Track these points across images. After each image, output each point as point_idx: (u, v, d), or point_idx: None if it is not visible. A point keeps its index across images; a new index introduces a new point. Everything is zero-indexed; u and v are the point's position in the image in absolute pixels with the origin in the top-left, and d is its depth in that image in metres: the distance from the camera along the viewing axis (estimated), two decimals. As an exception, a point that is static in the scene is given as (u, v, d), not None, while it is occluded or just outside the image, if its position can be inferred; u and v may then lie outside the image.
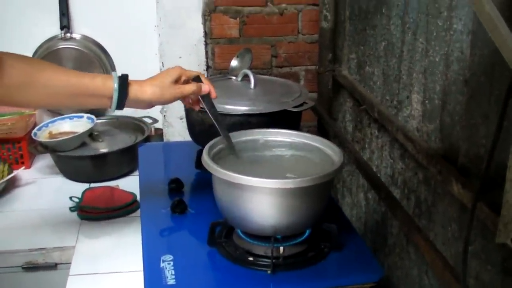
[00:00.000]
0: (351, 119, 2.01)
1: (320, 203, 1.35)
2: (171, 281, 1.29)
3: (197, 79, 1.45)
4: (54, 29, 2.35)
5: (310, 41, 2.22)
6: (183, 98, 1.43)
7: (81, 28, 2.37)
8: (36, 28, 2.36)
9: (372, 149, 1.81)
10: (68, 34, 2.35)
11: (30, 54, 2.34)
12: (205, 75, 2.22)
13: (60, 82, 1.32)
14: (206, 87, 1.44)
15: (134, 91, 1.36)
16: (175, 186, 1.70)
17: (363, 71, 1.85)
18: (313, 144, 1.49)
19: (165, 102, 1.43)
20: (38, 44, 2.37)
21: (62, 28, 2.33)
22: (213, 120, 1.46)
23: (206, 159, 1.35)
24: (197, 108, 1.50)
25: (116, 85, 1.34)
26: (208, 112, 1.46)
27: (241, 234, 1.40)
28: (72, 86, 1.33)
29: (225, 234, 1.43)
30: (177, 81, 1.41)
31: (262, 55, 2.25)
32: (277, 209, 1.30)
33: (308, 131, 2.30)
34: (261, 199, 1.29)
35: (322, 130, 2.18)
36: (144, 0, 2.27)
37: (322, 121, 2.16)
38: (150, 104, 1.42)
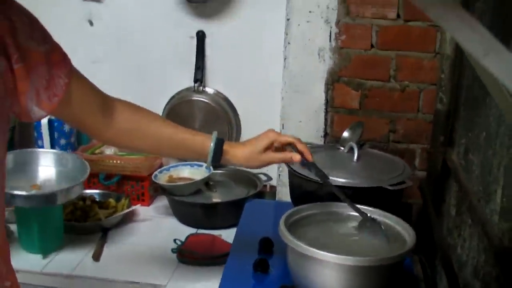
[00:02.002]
0: (455, 203, 2.00)
1: (384, 283, 1.37)
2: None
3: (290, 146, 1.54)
4: (189, 81, 2.53)
5: (429, 120, 2.23)
6: (274, 162, 1.55)
7: (214, 83, 2.54)
8: (174, 78, 2.55)
9: (465, 237, 1.80)
10: (201, 87, 2.52)
11: (165, 101, 2.55)
12: (322, 141, 2.30)
13: (164, 135, 1.48)
14: (296, 157, 1.52)
15: (226, 155, 1.51)
16: (265, 245, 1.78)
17: (467, 157, 1.85)
18: (391, 224, 1.53)
19: (254, 167, 1.56)
20: (174, 93, 2.56)
21: (195, 81, 2.50)
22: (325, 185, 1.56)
23: (281, 226, 1.43)
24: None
25: (212, 144, 1.48)
26: (316, 176, 1.58)
27: (308, 301, 1.46)
28: (174, 140, 1.49)
29: (296, 299, 1.49)
30: (269, 147, 1.51)
31: (380, 128, 2.29)
32: (338, 284, 1.34)
33: (413, 209, 2.33)
34: (325, 272, 1.34)
35: (426, 211, 2.17)
36: (273, 64, 2.39)
37: (425, 202, 2.16)
38: (240, 166, 1.57)
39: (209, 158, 1.50)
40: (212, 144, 1.49)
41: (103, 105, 1.39)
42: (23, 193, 1.97)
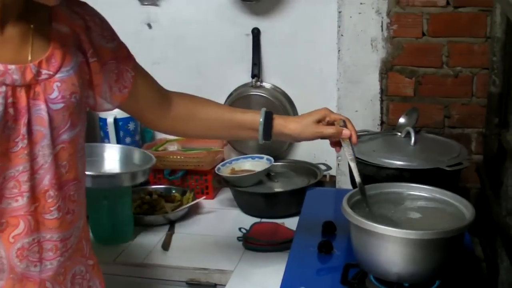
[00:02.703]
0: (513, 184, 2.04)
1: (445, 257, 1.42)
2: (298, 309, 1.45)
3: (341, 122, 1.56)
4: (246, 77, 2.61)
5: (483, 104, 2.26)
6: (322, 138, 1.57)
7: (270, 77, 2.62)
8: (232, 75, 2.64)
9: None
10: (258, 83, 2.60)
11: (224, 97, 2.63)
12: (379, 129, 2.36)
13: (216, 116, 1.56)
14: (347, 132, 1.55)
15: (277, 126, 1.55)
16: (327, 228, 1.85)
17: (524, 137, 1.89)
18: (450, 201, 1.57)
19: (305, 138, 1.58)
20: (232, 89, 2.65)
21: (253, 76, 2.58)
22: (349, 165, 1.58)
23: (344, 205, 1.49)
24: (338, 150, 1.61)
25: (262, 119, 1.54)
26: (347, 156, 1.57)
27: (372, 279, 1.52)
28: (225, 120, 1.57)
29: (359, 277, 1.55)
30: (320, 121, 1.56)
31: (434, 114, 2.33)
32: (400, 258, 1.40)
33: (471, 193, 2.36)
34: (386, 246, 1.40)
35: (484, 193, 2.21)
36: (327, 56, 2.46)
37: (483, 185, 2.20)
38: (293, 139, 1.61)
39: (260, 130, 1.54)
40: (261, 117, 1.55)
41: (161, 97, 1.51)
42: (90, 172, 2.00)
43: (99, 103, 1.38)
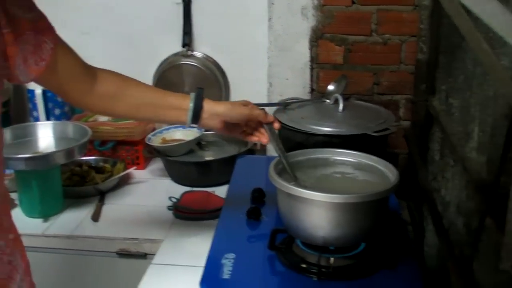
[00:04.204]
0: (438, 148, 2.07)
1: (369, 220, 1.44)
2: (226, 275, 1.44)
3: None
4: (177, 46, 2.58)
5: (411, 71, 2.30)
6: (250, 118, 1.57)
7: (202, 47, 2.59)
8: (162, 44, 2.60)
9: (447, 178, 1.88)
10: (190, 52, 2.57)
11: (155, 67, 2.61)
12: (310, 97, 2.37)
13: (144, 94, 1.52)
14: (271, 116, 1.60)
15: (208, 104, 1.53)
16: (256, 196, 1.86)
17: (448, 102, 1.92)
18: (375, 166, 1.59)
19: (234, 117, 1.56)
20: (163, 58, 2.62)
21: (184, 45, 2.56)
22: (276, 149, 1.59)
23: (271, 171, 1.49)
24: (264, 140, 1.62)
25: (192, 96, 1.52)
26: (273, 143, 1.60)
27: (299, 243, 1.53)
28: (154, 98, 1.53)
29: (287, 242, 1.56)
30: (245, 106, 1.57)
31: (364, 82, 2.36)
32: (325, 222, 1.41)
33: (399, 159, 2.40)
34: (312, 211, 1.41)
35: (412, 159, 2.25)
36: (258, 24, 2.44)
37: (410, 150, 2.23)
38: (222, 119, 1.55)
39: (190, 107, 1.52)
40: (192, 96, 1.52)
41: (85, 72, 1.45)
42: (24, 155, 2.03)
43: (14, 74, 1.32)
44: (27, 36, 1.28)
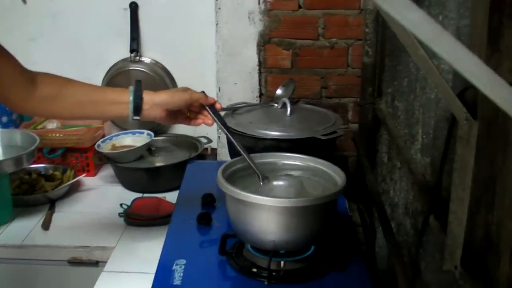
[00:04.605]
0: (386, 151, 2.12)
1: (318, 223, 1.46)
2: (177, 281, 1.44)
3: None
4: (125, 51, 2.58)
5: (358, 74, 2.33)
6: (191, 102, 1.59)
7: (150, 52, 2.59)
8: (110, 50, 2.60)
9: (395, 180, 1.92)
10: (138, 57, 2.57)
11: (103, 73, 2.60)
12: (258, 101, 2.39)
13: (83, 91, 1.53)
14: (212, 98, 1.62)
15: (148, 95, 1.55)
16: (207, 201, 1.86)
17: (394, 105, 1.96)
18: (323, 169, 1.61)
19: (176, 103, 1.58)
20: (111, 64, 2.61)
21: (132, 51, 2.56)
22: (222, 129, 1.63)
23: (219, 177, 1.50)
24: (208, 122, 1.65)
25: (131, 89, 1.53)
26: (217, 123, 1.63)
27: (249, 248, 1.54)
28: (93, 94, 1.54)
29: (237, 247, 1.57)
30: (185, 91, 1.60)
31: (312, 85, 2.38)
32: (274, 226, 1.42)
33: (349, 161, 2.44)
34: (261, 215, 1.42)
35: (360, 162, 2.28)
36: (206, 29, 2.45)
37: (359, 153, 2.27)
38: (164, 107, 1.57)
39: (130, 99, 1.52)
40: (131, 88, 1.54)
41: (24, 78, 1.45)
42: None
43: None
44: None
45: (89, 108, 1.55)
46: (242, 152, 1.59)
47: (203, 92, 1.62)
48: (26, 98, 1.46)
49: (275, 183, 1.58)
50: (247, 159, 1.58)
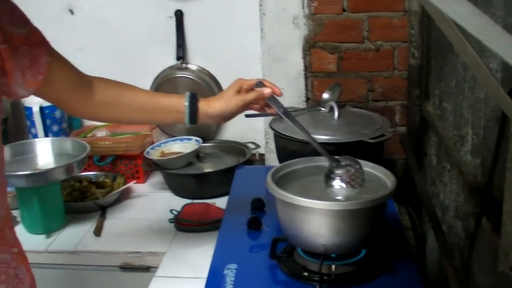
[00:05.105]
0: (435, 153, 2.10)
1: (369, 227, 1.46)
2: (229, 286, 1.45)
3: (259, 85, 1.61)
4: (172, 59, 2.62)
5: (404, 77, 2.32)
6: (248, 104, 1.59)
7: (196, 59, 2.63)
8: (157, 58, 2.64)
9: (445, 182, 1.90)
10: (184, 65, 2.60)
11: (150, 80, 2.64)
12: (305, 106, 2.39)
13: (139, 99, 1.56)
14: (267, 90, 1.60)
15: (203, 106, 1.56)
16: (256, 205, 1.87)
17: (442, 106, 1.95)
18: (372, 172, 1.61)
19: (232, 111, 1.59)
20: (158, 72, 2.65)
21: (178, 58, 2.59)
22: (283, 117, 1.61)
23: (268, 181, 1.51)
24: (270, 110, 1.64)
25: (187, 102, 1.55)
26: (278, 111, 1.61)
27: (300, 252, 1.54)
28: (149, 103, 1.57)
29: (288, 251, 1.58)
30: (239, 91, 1.58)
31: (358, 89, 2.38)
32: (325, 229, 1.42)
33: (397, 165, 2.43)
34: (312, 219, 1.42)
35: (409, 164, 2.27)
36: (251, 35, 2.47)
37: (407, 156, 2.26)
38: (221, 117, 1.60)
39: (186, 113, 1.55)
40: (186, 99, 1.55)
41: (81, 82, 1.49)
42: (24, 172, 2.06)
43: (13, 89, 1.35)
44: (23, 51, 1.31)
45: (144, 115, 1.59)
46: (308, 138, 1.60)
47: (260, 81, 1.61)
48: (82, 102, 1.50)
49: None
50: (312, 143, 1.59)
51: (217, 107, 1.58)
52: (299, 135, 1.87)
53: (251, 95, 1.58)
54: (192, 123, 1.57)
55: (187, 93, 1.57)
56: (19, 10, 1.33)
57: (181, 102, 1.56)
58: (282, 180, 1.57)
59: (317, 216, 1.41)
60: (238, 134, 2.63)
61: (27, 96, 1.38)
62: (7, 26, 1.27)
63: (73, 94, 1.47)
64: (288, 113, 1.62)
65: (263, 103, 1.62)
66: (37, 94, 1.41)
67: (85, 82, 1.50)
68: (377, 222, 1.48)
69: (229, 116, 1.61)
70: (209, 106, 1.57)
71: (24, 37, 1.31)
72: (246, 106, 1.59)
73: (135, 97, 1.56)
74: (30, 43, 1.33)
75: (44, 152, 2.33)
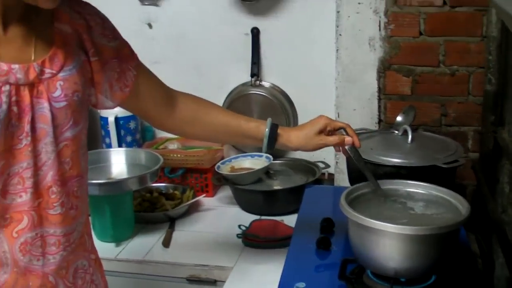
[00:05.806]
0: (508, 181, 2.06)
1: (441, 252, 1.45)
2: (298, 304, 1.47)
3: (344, 130, 1.61)
4: (246, 76, 2.65)
5: (479, 102, 2.29)
6: (325, 147, 1.61)
7: (270, 77, 2.65)
8: (231, 74, 2.68)
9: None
10: (258, 82, 2.63)
11: (224, 96, 2.68)
12: (377, 128, 2.38)
13: (221, 122, 1.59)
14: (348, 139, 1.59)
15: (281, 139, 1.59)
16: (326, 225, 1.87)
17: (517, 134, 1.92)
18: (446, 198, 1.60)
19: (310, 149, 1.62)
20: (232, 88, 2.69)
21: (252, 75, 2.62)
22: (360, 168, 1.62)
23: (342, 202, 1.52)
24: (345, 155, 1.65)
25: (267, 131, 1.57)
26: (355, 161, 1.62)
27: (369, 274, 1.54)
28: (229, 127, 1.59)
29: (357, 272, 1.57)
30: (322, 131, 1.59)
31: (431, 113, 2.36)
32: (397, 253, 1.42)
33: (467, 190, 2.39)
34: (383, 242, 1.42)
35: (480, 190, 2.23)
36: (326, 55, 2.48)
37: (479, 182, 2.22)
38: (298, 150, 1.64)
39: (265, 143, 1.58)
40: (267, 129, 1.58)
41: (166, 97, 1.53)
42: (98, 181, 2.11)
43: (100, 101, 1.40)
44: (112, 64, 1.36)
45: (225, 137, 1.67)
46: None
47: (343, 128, 1.61)
48: (166, 117, 1.54)
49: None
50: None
51: (295, 142, 1.60)
52: (372, 157, 1.87)
53: (333, 140, 1.60)
54: (269, 150, 1.61)
55: (269, 121, 1.59)
56: (110, 23, 1.38)
57: (261, 130, 1.58)
58: (355, 202, 1.57)
59: (389, 239, 1.41)
60: (308, 153, 2.60)
61: (112, 107, 1.43)
62: (98, 39, 1.32)
63: (158, 107, 1.51)
64: (364, 164, 1.63)
65: (339, 148, 1.64)
66: (123, 106, 1.46)
67: (170, 96, 1.54)
68: (449, 248, 1.47)
69: (305, 151, 1.64)
70: (288, 141, 1.60)
71: (114, 50, 1.36)
72: (324, 146, 1.61)
73: (218, 118, 1.59)
74: (119, 56, 1.37)
75: (118, 162, 2.39)
